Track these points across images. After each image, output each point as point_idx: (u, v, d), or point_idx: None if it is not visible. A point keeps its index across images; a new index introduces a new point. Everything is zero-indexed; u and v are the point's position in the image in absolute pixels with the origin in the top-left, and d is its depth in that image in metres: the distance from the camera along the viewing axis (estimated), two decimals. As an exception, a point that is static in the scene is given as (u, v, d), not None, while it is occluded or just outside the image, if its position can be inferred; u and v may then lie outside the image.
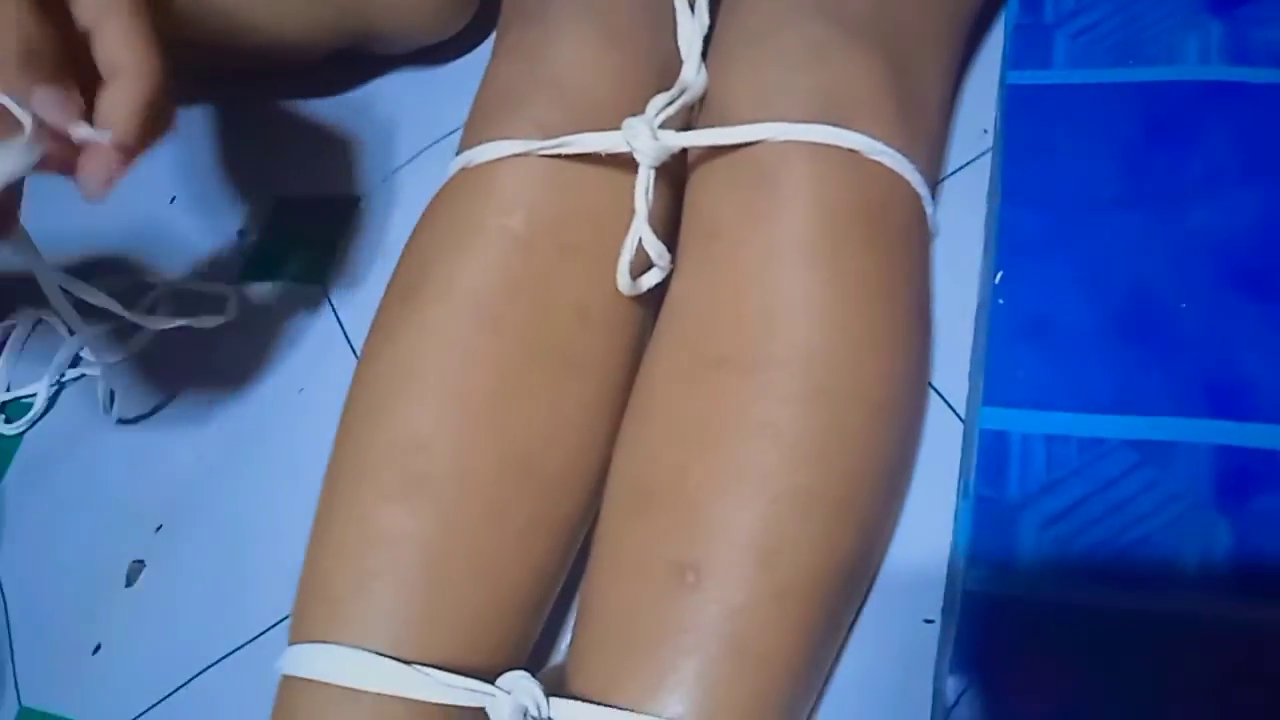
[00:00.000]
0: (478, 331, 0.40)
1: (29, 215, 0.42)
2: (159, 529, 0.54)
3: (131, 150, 0.39)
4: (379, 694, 0.35)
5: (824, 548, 0.36)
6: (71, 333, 0.63)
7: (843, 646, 0.39)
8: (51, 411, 0.62)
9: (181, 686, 0.49)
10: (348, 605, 0.37)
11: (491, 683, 0.35)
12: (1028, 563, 0.37)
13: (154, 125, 0.40)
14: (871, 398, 0.38)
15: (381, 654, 0.36)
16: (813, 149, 0.39)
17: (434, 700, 0.35)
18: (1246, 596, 0.35)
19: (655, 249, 0.41)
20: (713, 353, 0.38)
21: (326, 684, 0.36)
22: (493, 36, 0.50)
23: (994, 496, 0.39)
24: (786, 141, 0.39)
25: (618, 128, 0.41)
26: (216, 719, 0.48)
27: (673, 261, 0.43)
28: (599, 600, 0.38)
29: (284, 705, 0.38)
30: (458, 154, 0.45)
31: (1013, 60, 0.48)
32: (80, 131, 0.38)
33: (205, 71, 0.68)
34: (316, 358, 0.57)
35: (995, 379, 0.41)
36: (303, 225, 0.64)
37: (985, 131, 0.48)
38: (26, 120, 0.36)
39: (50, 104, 0.37)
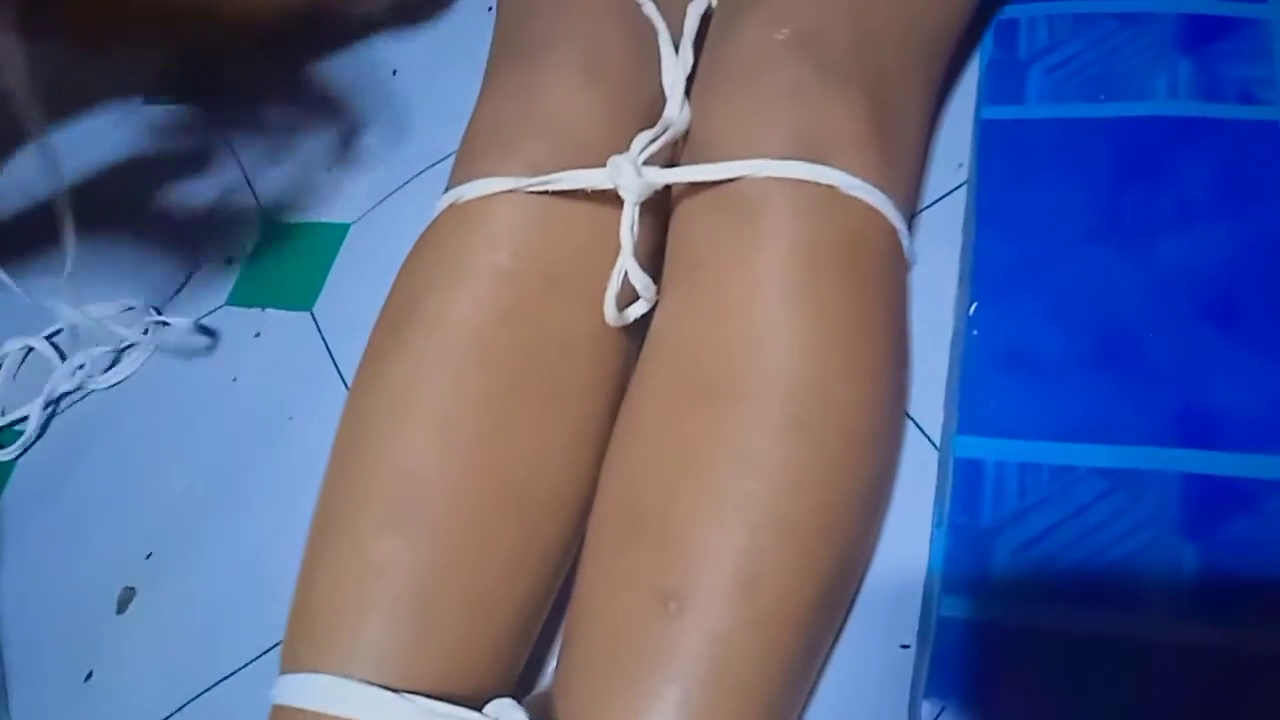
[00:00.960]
0: (468, 363, 0.41)
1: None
2: (149, 556, 0.55)
3: None
4: None
5: (804, 575, 0.37)
6: (64, 359, 0.64)
7: (820, 671, 0.39)
8: (43, 438, 0.63)
9: (174, 713, 0.49)
10: (338, 634, 0.38)
11: (479, 709, 0.36)
12: (1001, 588, 0.38)
13: None
14: (850, 428, 0.39)
15: (370, 683, 0.36)
16: (793, 185, 0.40)
17: None
18: (1215, 621, 0.36)
19: (641, 282, 0.42)
20: (696, 383, 0.39)
21: (317, 713, 0.36)
22: (480, 70, 0.51)
23: (968, 523, 0.40)
24: (768, 178, 0.40)
25: (603, 164, 0.42)
26: (208, 745, 0.49)
27: (658, 293, 0.43)
28: (584, 626, 0.39)
29: (275, 733, 0.38)
30: (447, 189, 0.46)
31: (988, 95, 0.49)
32: None
33: (193, 75, 0.70)
34: (305, 385, 0.58)
35: (969, 408, 0.42)
36: (290, 250, 0.64)
37: (960, 165, 0.49)
38: None
39: None
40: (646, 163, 0.42)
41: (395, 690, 0.36)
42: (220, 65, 0.77)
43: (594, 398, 0.43)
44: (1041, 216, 0.46)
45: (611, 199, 0.43)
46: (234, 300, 0.64)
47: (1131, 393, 0.41)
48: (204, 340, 0.56)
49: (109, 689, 0.52)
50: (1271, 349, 0.40)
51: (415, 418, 0.40)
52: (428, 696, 0.36)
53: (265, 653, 0.49)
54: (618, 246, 0.42)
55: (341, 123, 0.68)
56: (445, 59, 0.69)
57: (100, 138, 0.74)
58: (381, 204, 0.63)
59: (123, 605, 0.54)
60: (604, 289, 0.42)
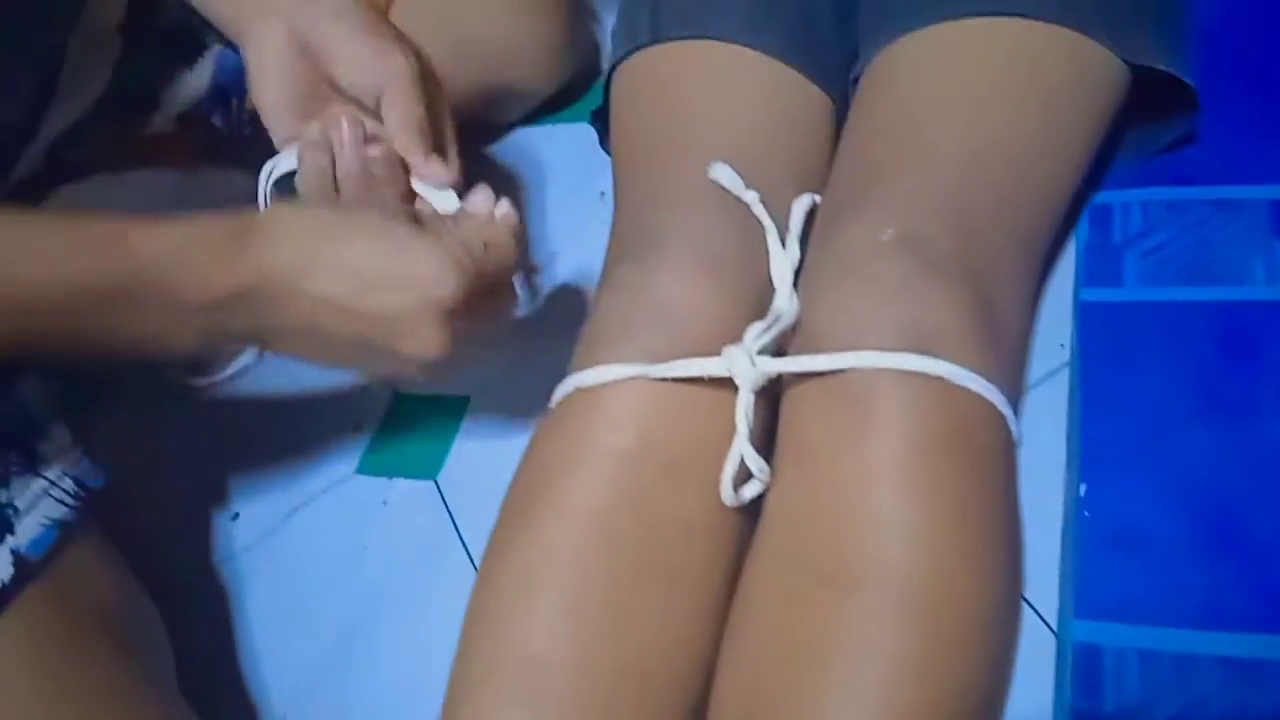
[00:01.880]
0: (592, 546, 0.43)
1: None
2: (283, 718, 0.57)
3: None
4: None
5: (928, 763, 0.37)
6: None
7: None
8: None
9: None
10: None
11: None
12: (1126, 779, 0.38)
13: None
14: (968, 614, 0.39)
15: None
16: (901, 375, 0.42)
17: None
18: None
19: (756, 464, 0.44)
20: (811, 570, 0.41)
21: None
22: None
23: (1091, 709, 0.40)
24: (877, 368, 0.42)
25: (717, 353, 0.45)
26: None
27: (771, 474, 0.45)
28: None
29: None
30: (569, 375, 0.49)
31: (1085, 278, 0.51)
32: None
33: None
34: (429, 553, 0.60)
35: (1085, 592, 0.42)
36: (417, 421, 0.68)
37: (1062, 345, 0.51)
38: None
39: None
40: (759, 352, 0.44)
41: None
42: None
43: (711, 580, 0.44)
44: (1146, 397, 0.47)
45: (725, 386, 0.45)
46: (363, 469, 0.67)
47: (1248, 577, 0.41)
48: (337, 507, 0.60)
49: None
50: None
51: (543, 599, 0.42)
52: None
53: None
54: (731, 431, 0.44)
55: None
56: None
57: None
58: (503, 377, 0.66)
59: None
60: (719, 472, 0.44)
